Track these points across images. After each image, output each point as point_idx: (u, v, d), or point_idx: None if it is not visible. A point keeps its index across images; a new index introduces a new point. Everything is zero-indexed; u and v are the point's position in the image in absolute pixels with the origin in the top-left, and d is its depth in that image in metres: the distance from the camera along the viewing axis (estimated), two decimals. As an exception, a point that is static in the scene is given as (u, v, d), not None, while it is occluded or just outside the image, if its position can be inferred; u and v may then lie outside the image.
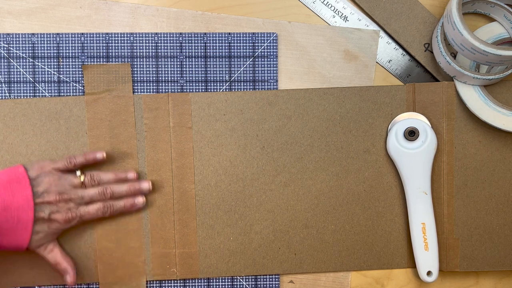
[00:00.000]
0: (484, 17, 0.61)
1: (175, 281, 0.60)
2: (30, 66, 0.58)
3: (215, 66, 0.59)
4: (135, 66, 0.59)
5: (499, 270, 0.62)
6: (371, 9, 0.60)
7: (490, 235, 0.60)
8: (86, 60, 0.58)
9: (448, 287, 0.62)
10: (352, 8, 0.60)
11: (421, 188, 0.58)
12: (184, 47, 0.59)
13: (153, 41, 0.59)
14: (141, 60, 0.59)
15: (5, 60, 0.58)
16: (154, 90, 0.59)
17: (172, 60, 0.59)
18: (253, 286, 0.60)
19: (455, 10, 0.53)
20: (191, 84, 0.59)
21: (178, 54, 0.59)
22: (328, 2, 0.60)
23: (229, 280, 0.60)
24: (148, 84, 0.59)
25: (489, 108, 0.57)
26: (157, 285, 0.60)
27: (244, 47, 0.59)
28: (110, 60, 0.59)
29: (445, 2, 0.60)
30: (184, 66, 0.59)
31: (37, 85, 0.58)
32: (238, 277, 0.60)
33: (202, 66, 0.59)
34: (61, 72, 0.58)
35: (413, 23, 0.60)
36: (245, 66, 0.59)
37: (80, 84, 0.58)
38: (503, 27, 0.59)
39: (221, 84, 0.59)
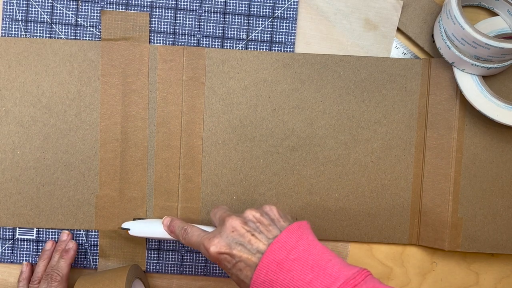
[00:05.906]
0: (482, 12, 0.60)
1: (175, 235, 0.59)
2: (49, 7, 0.58)
3: (233, 23, 0.59)
4: (154, 16, 0.58)
5: (499, 270, 0.62)
6: None
7: (493, 217, 0.59)
8: (105, 5, 0.58)
9: (448, 287, 0.62)
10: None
11: None
12: (204, 2, 0.58)
13: (173, -7, 0.58)
14: (160, 10, 0.58)
15: (25, -4, 0.58)
16: (170, 42, 0.59)
17: (191, 13, 0.59)
18: (252, 247, 0.60)
19: (455, 5, 0.53)
20: (207, 39, 0.59)
21: (197, 8, 0.59)
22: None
23: (228, 239, 0.60)
24: (164, 36, 0.59)
25: (484, 98, 0.57)
26: (156, 237, 0.59)
27: (264, 7, 0.59)
28: (129, 8, 0.58)
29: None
30: (203, 20, 0.59)
31: (54, 26, 0.58)
32: (238, 237, 0.60)
33: (221, 22, 0.59)
34: (79, 16, 0.58)
35: (420, 14, 0.59)
36: (263, 26, 0.59)
37: (97, 30, 0.58)
38: (505, 22, 0.58)
39: (237, 42, 0.59)
